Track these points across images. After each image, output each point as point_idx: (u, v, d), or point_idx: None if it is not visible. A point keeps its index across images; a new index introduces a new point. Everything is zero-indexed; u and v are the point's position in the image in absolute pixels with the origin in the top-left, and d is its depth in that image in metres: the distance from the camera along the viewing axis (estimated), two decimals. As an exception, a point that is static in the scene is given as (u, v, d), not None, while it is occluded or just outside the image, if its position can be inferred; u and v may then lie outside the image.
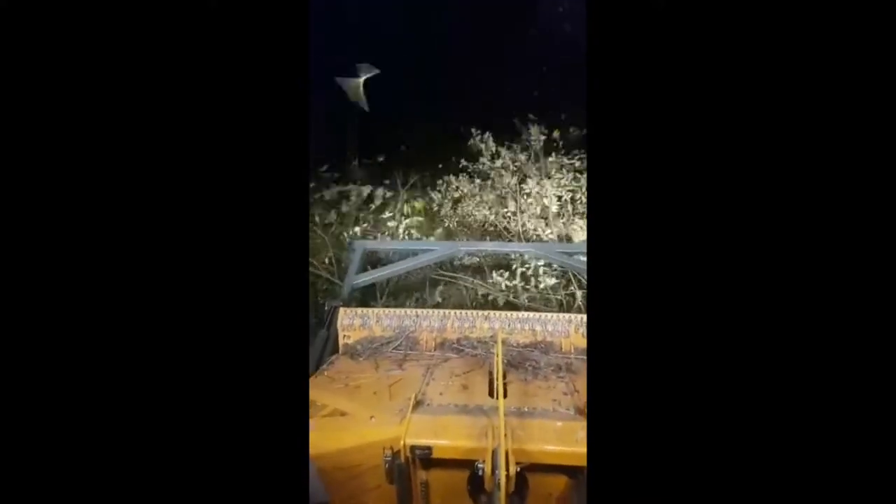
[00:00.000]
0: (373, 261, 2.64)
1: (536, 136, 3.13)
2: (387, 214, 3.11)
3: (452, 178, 3.21)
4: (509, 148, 3.22)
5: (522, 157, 3.16)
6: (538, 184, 3.01)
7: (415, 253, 2.39)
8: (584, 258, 2.34)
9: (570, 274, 2.67)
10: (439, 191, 3.23)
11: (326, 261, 3.00)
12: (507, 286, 2.69)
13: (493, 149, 3.23)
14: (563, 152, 3.11)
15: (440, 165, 3.36)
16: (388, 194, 3.16)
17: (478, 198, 3.11)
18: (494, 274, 2.76)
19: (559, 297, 2.65)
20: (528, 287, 2.69)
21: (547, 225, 2.94)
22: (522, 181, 3.09)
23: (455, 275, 2.87)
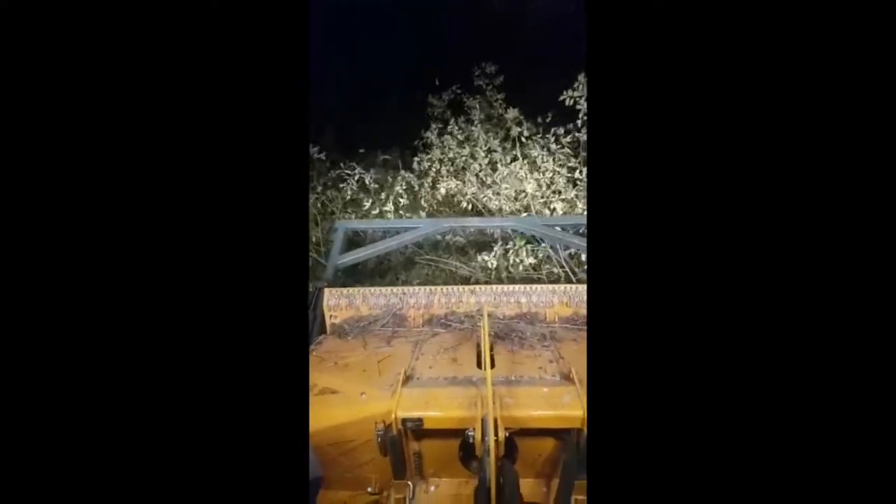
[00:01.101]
0: (357, 240, 2.62)
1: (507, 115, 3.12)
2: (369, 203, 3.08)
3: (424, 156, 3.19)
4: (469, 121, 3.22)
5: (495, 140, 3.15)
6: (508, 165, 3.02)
7: (398, 231, 2.39)
8: (566, 230, 2.36)
9: (550, 250, 2.70)
10: (413, 170, 3.22)
11: (313, 239, 2.98)
12: (490, 266, 2.72)
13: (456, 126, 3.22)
14: (539, 134, 3.11)
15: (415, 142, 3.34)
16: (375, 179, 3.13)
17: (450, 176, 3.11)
18: (477, 255, 2.77)
19: (540, 276, 2.68)
20: (510, 270, 2.71)
21: (525, 207, 2.96)
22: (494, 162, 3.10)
23: (434, 258, 2.88)
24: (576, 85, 2.86)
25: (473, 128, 3.18)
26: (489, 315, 1.56)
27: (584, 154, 3.00)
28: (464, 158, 3.16)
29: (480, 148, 3.14)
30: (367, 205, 3.05)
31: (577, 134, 2.99)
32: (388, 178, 3.21)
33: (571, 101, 2.86)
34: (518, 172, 2.99)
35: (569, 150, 2.98)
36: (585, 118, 2.88)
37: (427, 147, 3.29)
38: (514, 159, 3.05)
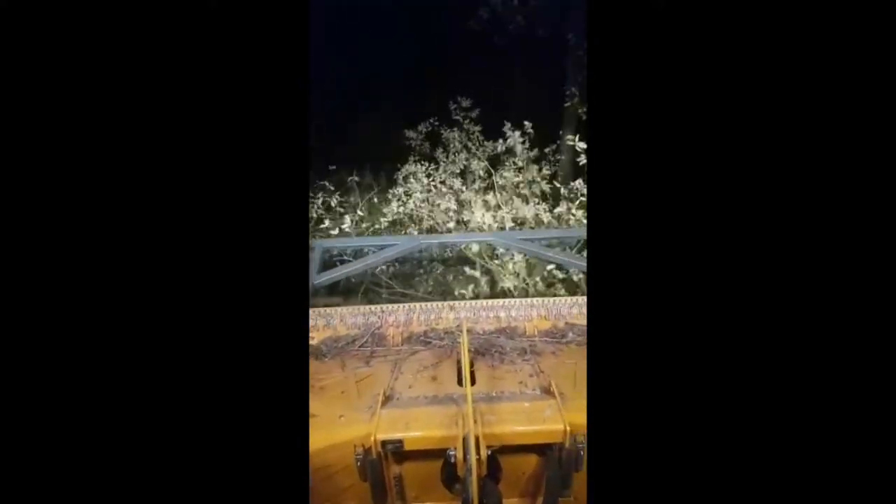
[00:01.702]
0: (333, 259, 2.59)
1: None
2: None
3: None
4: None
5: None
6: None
7: (376, 249, 2.37)
8: (544, 244, 2.39)
9: (527, 263, 2.72)
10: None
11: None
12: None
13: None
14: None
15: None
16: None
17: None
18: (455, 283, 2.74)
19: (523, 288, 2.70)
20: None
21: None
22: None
23: (407, 292, 2.84)
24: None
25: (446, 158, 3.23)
26: (468, 331, 1.55)
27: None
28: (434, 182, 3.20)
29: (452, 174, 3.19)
30: (327, 223, 3.04)
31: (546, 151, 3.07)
32: (355, 199, 3.22)
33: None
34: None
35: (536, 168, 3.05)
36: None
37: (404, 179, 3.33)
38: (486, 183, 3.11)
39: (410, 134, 3.54)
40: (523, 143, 3.14)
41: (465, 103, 3.34)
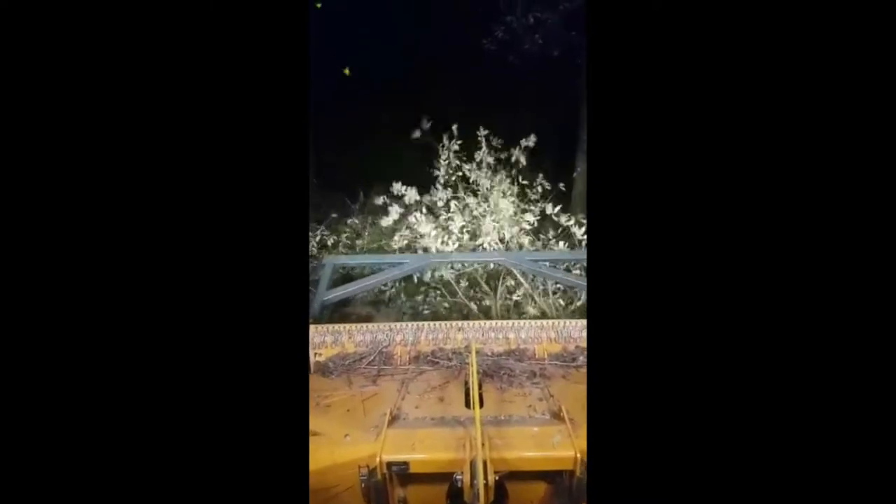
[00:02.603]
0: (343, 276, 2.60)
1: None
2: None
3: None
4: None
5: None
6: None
7: (385, 267, 2.37)
8: (553, 266, 2.38)
9: (533, 286, 2.70)
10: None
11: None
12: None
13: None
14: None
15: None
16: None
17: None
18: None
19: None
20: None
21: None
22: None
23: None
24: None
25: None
26: (477, 352, 1.54)
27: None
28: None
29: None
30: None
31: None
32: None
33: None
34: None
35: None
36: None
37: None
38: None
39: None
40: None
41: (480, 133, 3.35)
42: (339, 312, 2.62)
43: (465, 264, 2.85)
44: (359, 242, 3.11)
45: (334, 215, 3.33)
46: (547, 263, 2.38)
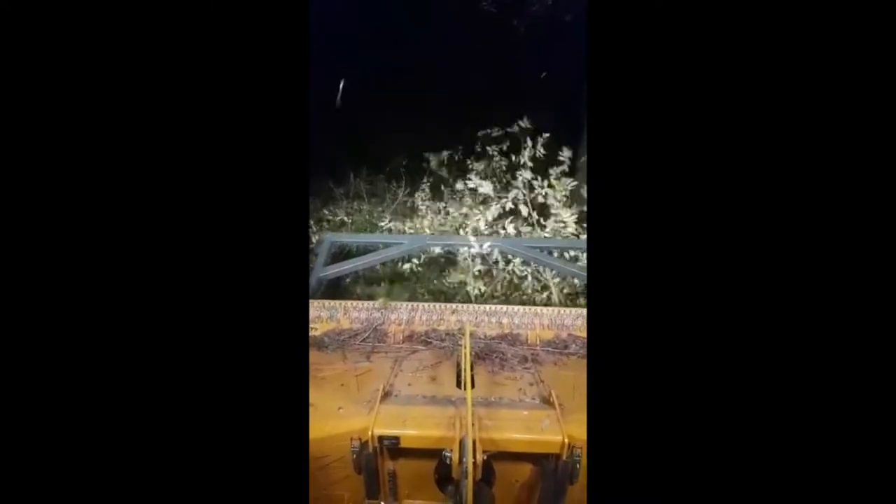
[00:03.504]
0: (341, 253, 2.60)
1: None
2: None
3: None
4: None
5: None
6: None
7: (383, 246, 2.38)
8: (551, 253, 2.39)
9: (532, 273, 2.72)
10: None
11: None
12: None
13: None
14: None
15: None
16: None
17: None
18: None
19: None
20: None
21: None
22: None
23: None
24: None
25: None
26: (470, 334, 1.56)
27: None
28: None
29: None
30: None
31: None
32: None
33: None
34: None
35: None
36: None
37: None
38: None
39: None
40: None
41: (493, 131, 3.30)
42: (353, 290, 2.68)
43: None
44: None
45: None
46: (550, 253, 2.39)
